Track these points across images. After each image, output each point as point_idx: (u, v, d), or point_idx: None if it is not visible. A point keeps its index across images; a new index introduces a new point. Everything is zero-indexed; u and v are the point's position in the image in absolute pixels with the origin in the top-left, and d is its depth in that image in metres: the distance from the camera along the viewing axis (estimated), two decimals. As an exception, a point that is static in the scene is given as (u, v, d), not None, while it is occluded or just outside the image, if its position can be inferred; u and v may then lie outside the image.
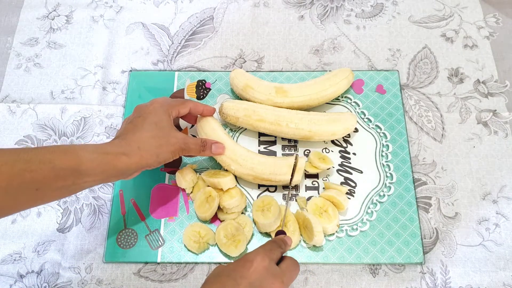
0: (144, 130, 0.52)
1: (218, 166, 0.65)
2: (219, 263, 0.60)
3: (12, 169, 0.42)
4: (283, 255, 0.52)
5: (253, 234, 0.60)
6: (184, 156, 0.65)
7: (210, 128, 0.63)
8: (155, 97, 0.63)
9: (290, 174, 0.60)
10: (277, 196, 0.63)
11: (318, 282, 0.59)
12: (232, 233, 0.58)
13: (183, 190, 0.64)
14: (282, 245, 0.51)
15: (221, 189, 0.61)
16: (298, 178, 0.60)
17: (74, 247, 0.62)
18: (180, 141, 0.55)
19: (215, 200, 0.59)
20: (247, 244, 0.60)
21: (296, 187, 0.63)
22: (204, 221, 0.62)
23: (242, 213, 0.62)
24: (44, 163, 0.43)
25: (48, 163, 0.44)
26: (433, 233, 0.62)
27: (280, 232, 0.58)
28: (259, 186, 0.64)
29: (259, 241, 0.60)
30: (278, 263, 0.49)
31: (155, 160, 0.52)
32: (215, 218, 0.62)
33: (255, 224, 0.60)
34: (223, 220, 0.61)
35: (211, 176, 0.61)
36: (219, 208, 0.61)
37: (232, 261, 0.59)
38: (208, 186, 0.62)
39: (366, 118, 0.68)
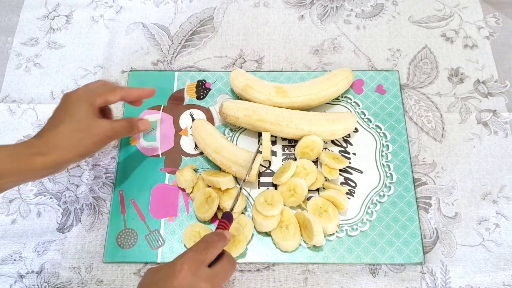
0: (64, 124, 0.50)
1: (219, 168, 0.65)
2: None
3: None
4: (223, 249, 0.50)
5: (253, 234, 0.60)
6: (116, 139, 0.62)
7: (207, 133, 0.63)
8: (155, 97, 0.63)
9: (291, 172, 0.60)
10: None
11: (318, 282, 0.59)
12: (232, 234, 0.58)
13: (183, 190, 0.64)
14: (222, 241, 0.49)
15: (220, 189, 0.61)
16: (254, 172, 0.60)
17: (74, 247, 0.62)
18: (105, 129, 0.53)
19: (214, 201, 0.59)
20: (247, 244, 0.60)
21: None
22: (204, 222, 0.62)
23: (242, 213, 0.62)
24: None
25: None
26: (433, 233, 0.62)
27: (226, 215, 0.54)
28: (259, 186, 0.64)
29: (259, 241, 0.60)
30: (215, 260, 0.48)
31: (77, 155, 0.51)
32: (215, 218, 0.62)
33: (253, 221, 0.60)
34: (223, 220, 0.61)
35: (211, 175, 0.61)
36: (219, 208, 0.61)
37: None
38: (208, 186, 0.62)
39: (366, 118, 0.68)
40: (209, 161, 0.66)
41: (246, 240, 0.59)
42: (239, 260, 0.59)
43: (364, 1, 0.79)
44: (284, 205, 0.61)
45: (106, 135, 0.53)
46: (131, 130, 0.58)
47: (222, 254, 0.50)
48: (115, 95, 0.55)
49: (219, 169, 0.64)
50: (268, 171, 0.65)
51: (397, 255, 0.59)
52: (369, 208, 0.62)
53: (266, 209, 0.58)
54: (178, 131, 0.68)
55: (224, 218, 0.54)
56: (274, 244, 0.60)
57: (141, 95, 0.58)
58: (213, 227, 0.61)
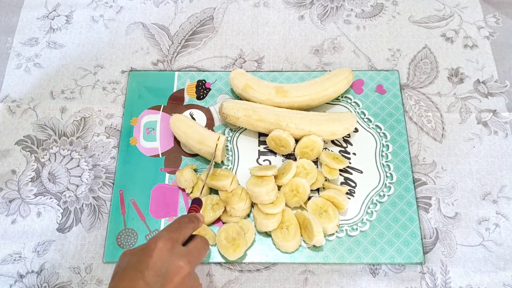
0: None
1: (218, 165, 0.65)
2: (219, 263, 0.60)
3: None
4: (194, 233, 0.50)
5: (254, 240, 0.60)
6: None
7: (187, 126, 0.63)
8: (155, 97, 0.63)
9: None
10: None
11: (318, 282, 0.59)
12: (233, 237, 0.58)
13: (183, 190, 0.64)
14: (194, 221, 0.50)
15: (227, 191, 0.61)
16: (219, 153, 0.61)
17: (74, 247, 0.62)
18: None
19: (220, 209, 0.60)
20: (246, 250, 0.59)
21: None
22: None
23: (248, 215, 0.62)
24: None
25: None
26: (433, 233, 0.62)
27: (196, 200, 0.55)
28: (259, 186, 0.64)
29: (259, 241, 0.60)
30: (187, 241, 0.48)
31: None
32: (217, 220, 0.62)
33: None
34: (225, 222, 0.61)
35: (213, 179, 0.61)
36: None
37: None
38: (209, 188, 0.62)
39: (366, 118, 0.68)
40: (208, 160, 0.66)
41: (246, 246, 0.59)
42: (239, 261, 0.59)
43: (364, 1, 0.79)
44: (287, 205, 0.61)
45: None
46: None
47: (194, 236, 0.50)
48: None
49: (219, 166, 0.64)
50: (268, 171, 0.65)
51: (397, 255, 0.59)
52: (369, 208, 0.62)
53: (267, 207, 0.58)
54: (178, 131, 0.68)
55: (194, 204, 0.54)
56: (274, 244, 0.60)
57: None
58: (213, 227, 0.61)
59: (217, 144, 0.60)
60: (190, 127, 0.63)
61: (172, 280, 0.44)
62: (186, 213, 0.53)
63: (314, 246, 0.59)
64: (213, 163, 0.61)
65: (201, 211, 0.58)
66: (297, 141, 0.64)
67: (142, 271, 0.43)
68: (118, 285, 0.44)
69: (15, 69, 0.74)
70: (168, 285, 0.44)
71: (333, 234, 0.61)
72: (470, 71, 0.73)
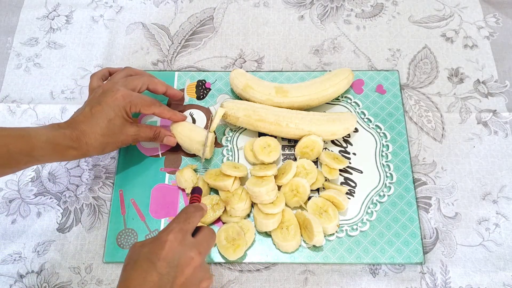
0: (98, 125, 0.55)
1: (216, 165, 0.65)
2: (218, 263, 0.60)
3: None
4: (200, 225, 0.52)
5: (254, 240, 0.60)
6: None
7: (189, 130, 0.63)
8: (155, 98, 0.63)
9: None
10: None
11: (318, 282, 0.59)
12: (233, 237, 0.58)
13: (183, 190, 0.64)
14: (199, 211, 0.51)
15: (228, 191, 0.61)
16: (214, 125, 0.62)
17: (74, 247, 0.62)
18: (129, 138, 0.59)
19: (220, 209, 0.60)
20: (246, 250, 0.59)
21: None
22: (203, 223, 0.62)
23: (248, 215, 0.62)
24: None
25: (3, 146, 0.49)
26: (433, 233, 0.62)
27: (196, 190, 0.56)
28: (259, 186, 0.64)
29: (259, 241, 0.60)
30: (195, 232, 0.50)
31: (99, 153, 0.58)
32: (217, 220, 0.62)
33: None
34: (225, 222, 0.61)
35: (215, 180, 0.61)
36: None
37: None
38: (210, 188, 0.62)
39: (366, 118, 0.68)
40: (209, 160, 0.66)
41: (246, 246, 0.58)
42: (239, 261, 0.59)
43: (364, 1, 0.79)
44: (287, 205, 0.61)
45: (129, 140, 0.59)
46: (154, 140, 0.62)
47: (201, 228, 0.51)
48: (149, 110, 0.60)
49: (207, 160, 0.64)
50: (268, 171, 0.65)
51: (397, 255, 0.59)
52: (369, 208, 0.62)
53: (267, 207, 0.58)
54: (178, 131, 0.68)
55: (195, 193, 0.55)
56: (274, 244, 0.60)
57: (172, 118, 0.63)
58: (213, 227, 0.61)
59: (206, 138, 0.61)
60: (190, 130, 0.63)
61: (184, 271, 0.45)
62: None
63: (314, 246, 0.59)
64: (204, 156, 0.62)
65: (201, 199, 0.58)
66: (297, 141, 0.64)
67: (155, 262, 0.44)
68: (130, 275, 0.44)
69: (15, 69, 0.74)
70: (179, 276, 0.45)
71: (333, 234, 0.61)
72: (470, 71, 0.73)
